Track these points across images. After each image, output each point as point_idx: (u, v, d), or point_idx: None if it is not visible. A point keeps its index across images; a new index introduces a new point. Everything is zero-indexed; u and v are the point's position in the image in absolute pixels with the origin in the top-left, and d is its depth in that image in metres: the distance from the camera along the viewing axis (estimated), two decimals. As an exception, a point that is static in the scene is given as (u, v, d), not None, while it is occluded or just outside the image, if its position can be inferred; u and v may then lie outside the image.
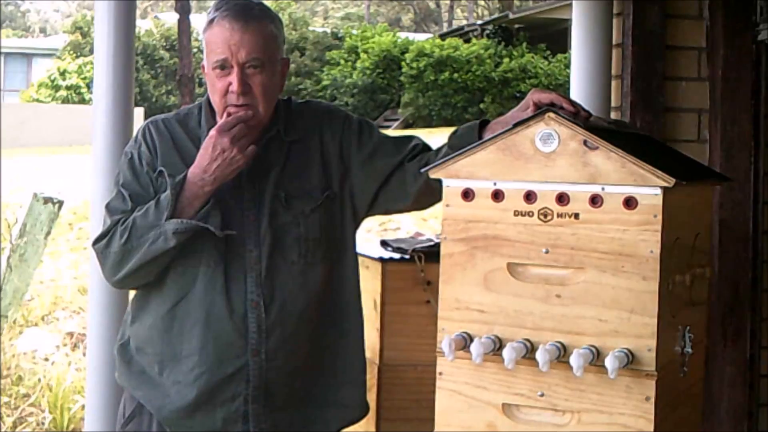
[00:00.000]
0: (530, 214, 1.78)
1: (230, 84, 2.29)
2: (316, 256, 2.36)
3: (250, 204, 2.34)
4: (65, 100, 24.17)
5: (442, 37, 24.80)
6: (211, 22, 2.33)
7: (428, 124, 21.16)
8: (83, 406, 4.36)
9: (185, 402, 2.34)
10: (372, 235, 8.31)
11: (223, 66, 2.30)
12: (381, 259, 3.13)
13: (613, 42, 3.34)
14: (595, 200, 1.74)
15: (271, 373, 2.33)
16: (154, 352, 2.37)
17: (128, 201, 2.34)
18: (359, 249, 2.51)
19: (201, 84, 24.30)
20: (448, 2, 39.32)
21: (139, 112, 16.48)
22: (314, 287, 2.36)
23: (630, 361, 1.70)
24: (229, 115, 2.30)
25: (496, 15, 26.29)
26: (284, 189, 2.35)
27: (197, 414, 2.34)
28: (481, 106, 21.51)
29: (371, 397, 2.57)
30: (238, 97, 2.29)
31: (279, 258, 2.33)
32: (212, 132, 2.27)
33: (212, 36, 2.32)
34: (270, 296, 2.32)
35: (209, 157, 2.26)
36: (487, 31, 23.56)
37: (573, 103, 2.02)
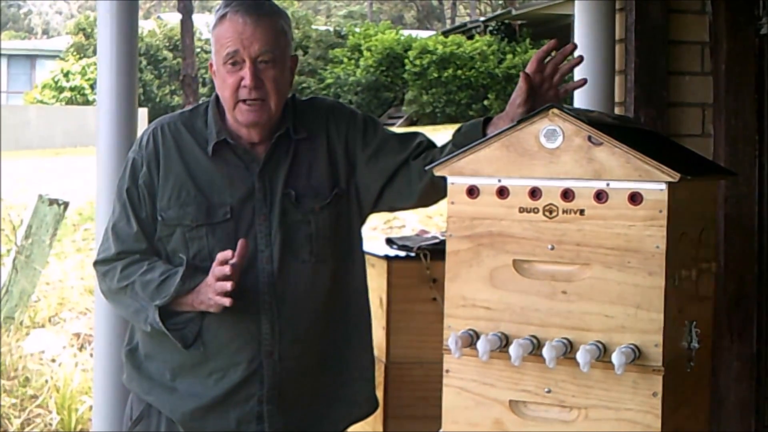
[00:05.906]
0: (535, 210, 1.78)
1: (242, 79, 2.29)
2: (326, 254, 2.36)
3: (261, 203, 2.33)
4: (69, 102, 24.18)
5: (445, 34, 24.73)
6: (222, 17, 2.32)
7: (432, 121, 21.12)
8: (91, 407, 4.37)
9: (200, 404, 2.34)
10: (377, 233, 8.31)
11: (235, 61, 2.29)
12: (387, 257, 3.13)
13: (616, 37, 3.34)
14: (600, 196, 1.73)
15: (284, 373, 2.33)
16: (165, 359, 2.37)
17: (133, 223, 2.35)
18: (365, 247, 2.51)
19: (204, 84, 24.32)
20: (451, -1, 39.28)
21: (142, 113, 16.49)
22: (324, 285, 2.36)
23: (637, 357, 1.70)
24: (241, 109, 2.30)
25: (499, 11, 26.22)
26: (293, 187, 2.35)
27: (211, 415, 2.34)
28: (485, 102, 21.48)
29: (378, 395, 2.57)
30: (251, 91, 2.29)
31: (290, 257, 2.33)
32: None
33: (223, 31, 2.31)
34: (282, 296, 2.31)
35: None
36: (490, 28, 23.50)
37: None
